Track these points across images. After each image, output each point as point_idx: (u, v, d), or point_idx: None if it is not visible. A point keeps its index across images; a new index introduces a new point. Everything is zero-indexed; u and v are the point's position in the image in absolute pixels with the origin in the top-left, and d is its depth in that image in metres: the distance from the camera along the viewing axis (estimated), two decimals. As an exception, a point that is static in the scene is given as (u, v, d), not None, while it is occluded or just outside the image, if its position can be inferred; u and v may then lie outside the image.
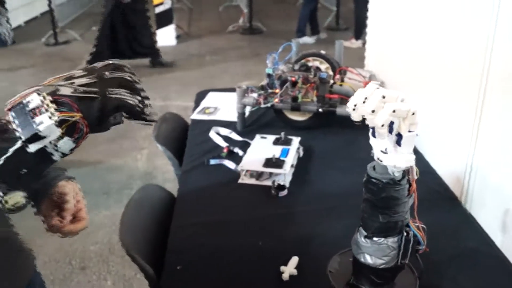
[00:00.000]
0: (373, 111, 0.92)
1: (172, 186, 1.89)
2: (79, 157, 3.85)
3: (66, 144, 0.73)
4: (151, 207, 1.69)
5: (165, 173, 3.69)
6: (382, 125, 0.94)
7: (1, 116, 0.75)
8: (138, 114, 0.80)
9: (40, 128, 0.69)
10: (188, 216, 1.62)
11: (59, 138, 0.72)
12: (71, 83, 0.73)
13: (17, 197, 0.72)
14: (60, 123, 0.71)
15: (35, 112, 0.70)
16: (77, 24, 9.10)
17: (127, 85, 0.78)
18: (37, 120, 0.69)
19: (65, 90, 0.73)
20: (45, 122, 0.69)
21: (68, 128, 0.72)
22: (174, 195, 1.77)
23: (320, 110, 2.06)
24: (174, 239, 1.50)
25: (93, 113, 0.73)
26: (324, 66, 2.23)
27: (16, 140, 0.70)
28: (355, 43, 6.97)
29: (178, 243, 1.48)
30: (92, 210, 3.24)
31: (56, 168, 1.16)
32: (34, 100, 0.71)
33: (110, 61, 0.79)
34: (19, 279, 1.14)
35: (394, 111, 0.90)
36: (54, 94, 0.73)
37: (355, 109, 0.96)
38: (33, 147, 0.70)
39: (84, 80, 0.73)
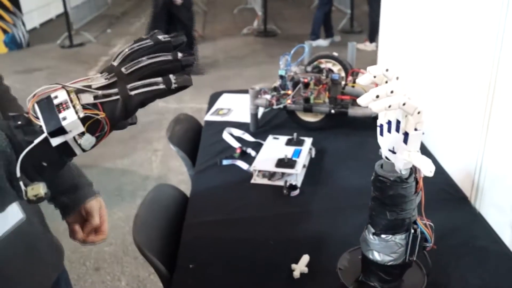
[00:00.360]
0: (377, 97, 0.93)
1: (186, 188, 1.92)
2: (93, 159, 3.91)
3: (87, 140, 0.74)
4: (164, 206, 1.72)
5: (178, 175, 3.72)
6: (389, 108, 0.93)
7: (24, 110, 0.77)
8: (170, 92, 0.76)
9: (65, 123, 0.70)
10: (201, 216, 1.65)
11: (81, 134, 0.73)
12: (90, 86, 0.74)
13: (39, 188, 0.74)
14: (84, 120, 0.72)
15: (60, 107, 0.71)
16: (92, 27, 9.19)
17: (148, 72, 0.74)
18: (61, 115, 0.70)
19: (87, 98, 0.72)
20: (70, 117, 0.70)
21: (91, 125, 0.73)
22: (187, 195, 1.80)
23: (332, 111, 2.08)
24: (187, 238, 1.53)
25: (117, 114, 0.73)
26: (336, 68, 2.25)
27: (39, 133, 0.71)
28: (369, 46, 6.96)
29: (190, 242, 1.51)
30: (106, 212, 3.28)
31: (85, 183, 1.27)
32: (60, 96, 0.72)
33: (125, 50, 0.76)
34: (51, 273, 1.18)
35: (404, 104, 0.92)
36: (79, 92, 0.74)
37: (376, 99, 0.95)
38: (55, 141, 0.72)
39: (103, 82, 0.74)
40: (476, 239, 1.47)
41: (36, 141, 0.71)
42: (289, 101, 2.11)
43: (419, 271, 1.23)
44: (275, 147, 1.95)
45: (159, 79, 0.74)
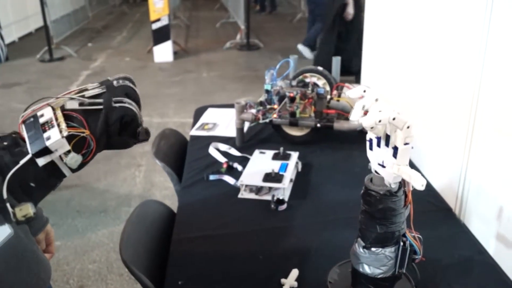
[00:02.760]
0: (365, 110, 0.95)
1: (171, 203, 1.91)
2: (77, 175, 3.85)
3: (73, 159, 0.74)
4: (151, 222, 1.71)
5: (163, 190, 3.71)
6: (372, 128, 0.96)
7: (15, 131, 0.77)
8: (137, 126, 0.81)
9: (49, 143, 0.70)
10: (189, 231, 1.65)
11: (67, 152, 0.73)
12: (82, 95, 0.75)
13: (27, 208, 0.74)
14: (69, 138, 0.72)
15: (45, 126, 0.71)
16: (72, 40, 9.14)
17: (133, 94, 0.79)
18: (46, 134, 0.71)
19: (72, 104, 0.74)
20: (54, 137, 0.71)
21: (77, 143, 0.73)
22: (174, 211, 1.80)
23: (318, 125, 2.10)
24: (175, 254, 1.52)
25: (99, 126, 0.74)
26: (321, 82, 2.27)
27: (26, 153, 0.71)
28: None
29: (179, 258, 1.50)
30: (90, 229, 3.25)
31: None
32: (45, 113, 0.72)
33: (124, 74, 0.81)
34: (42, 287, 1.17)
35: (394, 119, 0.94)
36: (64, 108, 0.75)
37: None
38: (41, 161, 0.71)
39: (95, 91, 0.75)
40: (461, 250, 1.49)
41: (22, 161, 0.71)
42: (275, 116, 2.12)
43: (408, 283, 1.24)
44: (261, 162, 1.95)
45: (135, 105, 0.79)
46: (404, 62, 2.15)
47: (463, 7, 1.60)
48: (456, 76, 1.66)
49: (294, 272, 1.38)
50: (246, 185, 1.82)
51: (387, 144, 1.01)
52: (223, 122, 2.50)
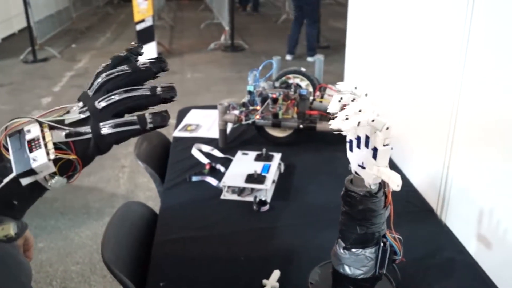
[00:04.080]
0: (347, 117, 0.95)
1: (154, 204, 1.91)
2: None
3: (58, 182, 0.71)
4: (133, 223, 1.70)
5: (146, 191, 3.70)
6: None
7: None
8: (145, 131, 0.72)
9: (35, 165, 0.67)
10: (170, 232, 1.64)
11: (52, 174, 0.70)
12: (63, 121, 0.70)
13: (9, 229, 0.72)
14: (55, 160, 0.70)
15: (32, 143, 0.68)
16: (56, 41, 9.07)
17: (122, 108, 0.71)
18: (32, 154, 0.67)
19: (58, 137, 0.70)
20: (40, 159, 0.67)
21: (63, 164, 0.71)
22: (157, 212, 1.79)
23: (301, 126, 2.10)
24: (157, 256, 1.51)
25: (89, 153, 0.71)
26: (304, 83, 2.28)
27: (9, 170, 0.68)
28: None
29: (160, 260, 1.49)
30: (73, 230, 3.23)
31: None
32: (33, 130, 0.69)
33: (98, 80, 0.72)
34: None
35: (373, 121, 0.94)
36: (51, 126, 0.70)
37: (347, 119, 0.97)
38: (25, 181, 0.69)
39: (76, 117, 0.70)
40: (442, 250, 1.50)
41: (5, 180, 0.68)
42: (257, 117, 2.12)
43: (388, 283, 1.25)
44: (244, 163, 1.95)
45: (134, 118, 0.71)
46: (386, 62, 2.16)
47: (445, 8, 1.62)
48: (438, 77, 1.68)
49: (276, 273, 1.38)
50: (229, 186, 1.82)
51: (366, 146, 1.01)
52: (206, 123, 2.49)
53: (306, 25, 7.52)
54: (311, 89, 2.25)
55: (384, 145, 0.99)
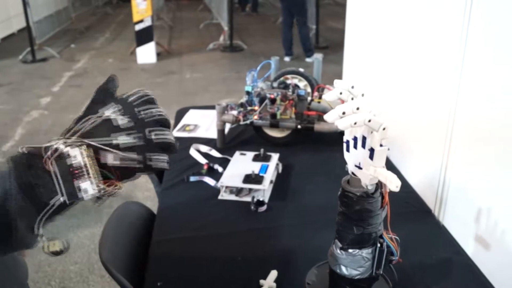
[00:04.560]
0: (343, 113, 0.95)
1: (152, 205, 1.90)
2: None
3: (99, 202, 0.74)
4: (131, 223, 1.70)
5: (144, 192, 3.69)
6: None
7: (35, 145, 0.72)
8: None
9: (84, 196, 0.70)
10: (168, 232, 1.64)
11: None
12: (110, 142, 0.71)
13: (58, 245, 0.74)
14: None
15: (77, 173, 0.69)
16: (55, 41, 9.08)
17: (166, 147, 0.78)
18: (81, 185, 0.69)
19: (110, 158, 0.71)
20: (90, 191, 0.70)
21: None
22: (155, 212, 1.79)
23: (299, 126, 2.10)
24: (154, 255, 1.51)
25: (129, 178, 0.75)
26: (302, 83, 2.28)
27: (55, 193, 0.70)
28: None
29: (158, 260, 1.50)
30: (71, 230, 3.23)
31: None
32: (76, 156, 0.69)
33: (156, 112, 0.78)
34: None
35: (369, 121, 0.94)
36: (96, 153, 0.71)
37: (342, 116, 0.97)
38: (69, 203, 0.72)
39: (129, 141, 0.72)
40: (440, 251, 1.50)
41: (56, 204, 0.70)
42: (255, 117, 2.12)
43: (385, 284, 1.25)
44: (242, 163, 1.95)
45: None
46: (385, 63, 2.17)
47: (443, 9, 1.62)
48: (436, 78, 1.68)
49: (273, 273, 1.38)
50: (227, 187, 1.82)
51: (363, 146, 1.02)
52: (204, 123, 2.49)
53: (297, 27, 7.53)
54: (309, 89, 2.25)
55: (380, 146, 0.99)
